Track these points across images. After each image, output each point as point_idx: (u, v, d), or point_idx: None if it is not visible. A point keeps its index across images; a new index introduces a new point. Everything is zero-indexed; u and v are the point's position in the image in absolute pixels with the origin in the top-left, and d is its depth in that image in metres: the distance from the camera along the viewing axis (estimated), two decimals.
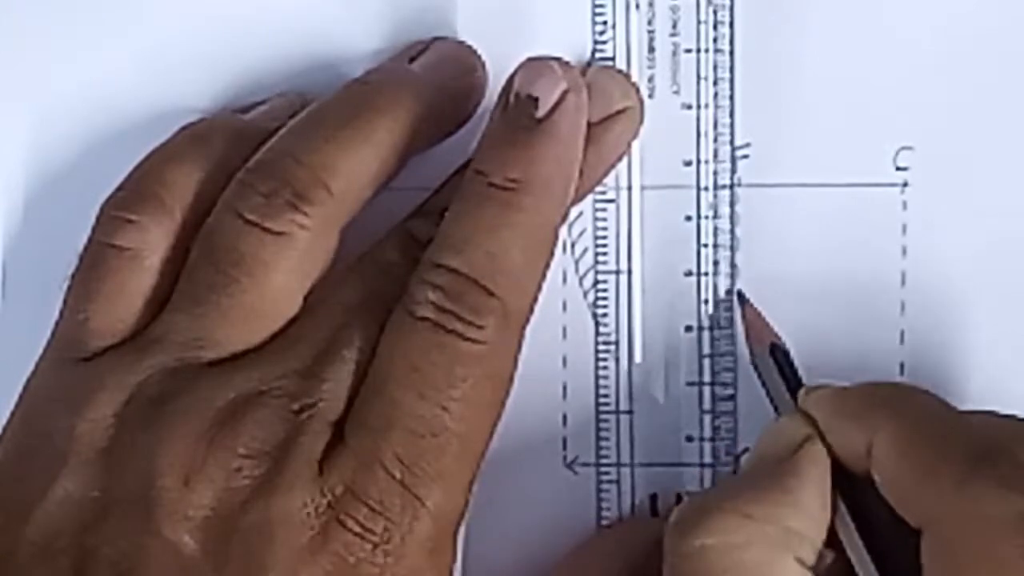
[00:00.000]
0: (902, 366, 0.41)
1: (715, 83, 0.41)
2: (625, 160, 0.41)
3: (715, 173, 0.42)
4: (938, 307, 0.41)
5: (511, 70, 0.39)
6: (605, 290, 0.42)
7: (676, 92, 0.42)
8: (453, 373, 0.37)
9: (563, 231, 0.40)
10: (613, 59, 0.42)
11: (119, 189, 0.39)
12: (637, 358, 0.42)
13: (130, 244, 0.38)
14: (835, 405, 0.38)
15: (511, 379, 0.38)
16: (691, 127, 0.42)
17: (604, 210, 0.42)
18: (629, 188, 0.42)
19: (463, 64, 0.41)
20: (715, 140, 0.42)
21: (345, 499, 0.36)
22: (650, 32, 0.41)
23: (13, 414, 0.39)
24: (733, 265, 0.42)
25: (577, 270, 0.42)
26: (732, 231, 0.42)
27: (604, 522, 0.42)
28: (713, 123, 0.42)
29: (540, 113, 0.38)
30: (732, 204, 0.42)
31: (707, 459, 0.42)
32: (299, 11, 0.42)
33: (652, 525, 0.41)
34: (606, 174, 0.41)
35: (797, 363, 0.40)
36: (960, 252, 0.41)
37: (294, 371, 0.37)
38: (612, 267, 0.42)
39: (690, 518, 0.37)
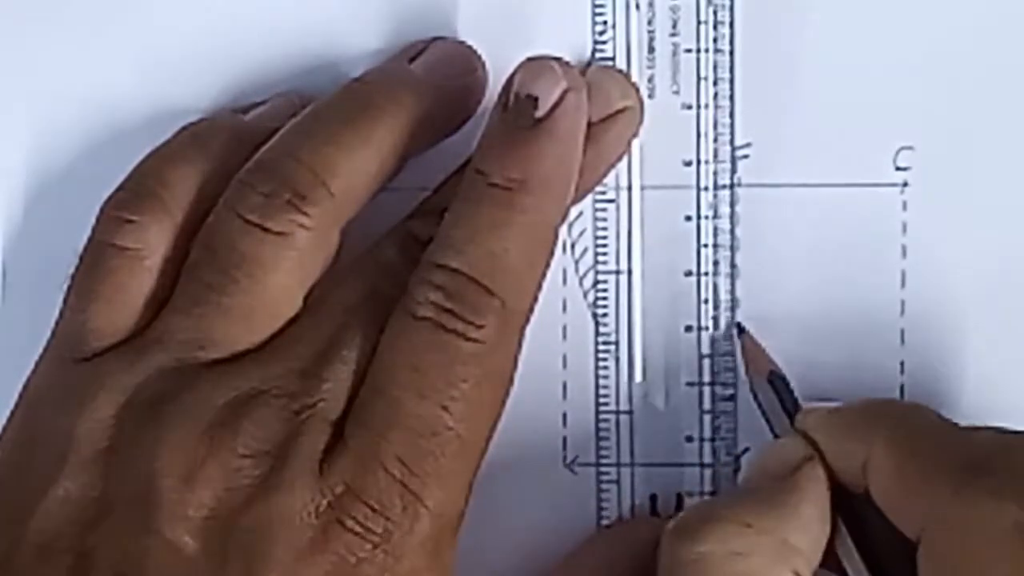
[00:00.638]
0: (902, 366, 0.41)
1: (715, 83, 0.41)
2: (625, 160, 0.41)
3: (715, 173, 0.42)
4: (938, 307, 0.41)
5: (511, 70, 0.39)
6: (605, 290, 0.42)
7: (676, 92, 0.42)
8: (453, 373, 0.37)
9: (563, 231, 0.40)
10: (613, 59, 0.42)
11: (119, 189, 0.39)
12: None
13: (130, 244, 0.38)
14: (831, 423, 0.38)
15: (511, 379, 0.38)
16: (691, 127, 0.42)
17: (604, 210, 0.42)
18: (629, 188, 0.42)
19: (463, 64, 0.41)
20: (715, 140, 0.42)
21: (345, 499, 0.36)
22: (650, 32, 0.41)
23: (13, 414, 0.39)
24: (733, 265, 0.42)
25: (577, 270, 0.42)
26: (732, 231, 0.42)
27: (604, 522, 0.42)
28: (713, 123, 0.42)
29: (540, 113, 0.38)
30: (732, 204, 0.42)
31: (707, 459, 0.42)
32: (299, 11, 0.42)
33: (652, 525, 0.41)
34: (606, 174, 0.41)
35: (796, 391, 0.40)
36: (960, 252, 0.41)
37: (294, 371, 0.37)
38: (612, 267, 0.42)
39: (690, 525, 0.37)
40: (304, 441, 0.36)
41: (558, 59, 0.39)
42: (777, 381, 0.40)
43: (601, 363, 0.42)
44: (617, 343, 0.42)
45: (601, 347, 0.42)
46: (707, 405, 0.42)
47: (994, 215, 0.41)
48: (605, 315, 0.42)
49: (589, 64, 0.42)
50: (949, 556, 0.35)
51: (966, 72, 0.41)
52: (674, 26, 0.41)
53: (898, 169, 0.41)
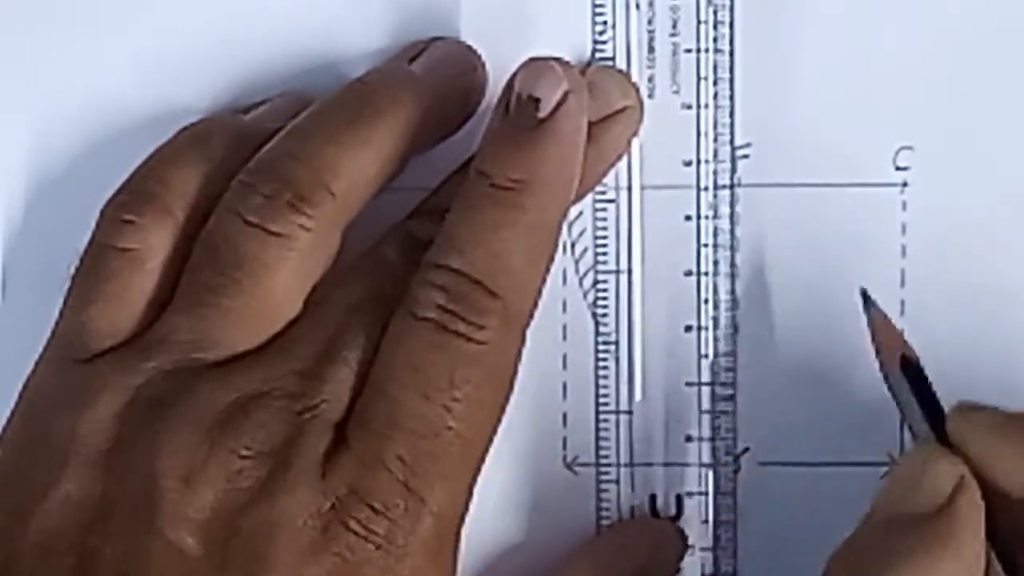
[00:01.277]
0: None
1: (715, 83, 0.41)
2: (625, 160, 0.41)
3: (715, 173, 0.42)
4: (937, 307, 0.41)
5: (511, 70, 0.39)
6: (605, 290, 0.42)
7: (676, 92, 0.42)
8: (455, 374, 0.37)
9: (563, 231, 0.40)
10: (613, 59, 0.42)
11: (120, 190, 0.39)
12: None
13: (131, 245, 0.38)
14: (1002, 436, 0.35)
15: (513, 379, 0.38)
16: (691, 127, 0.42)
17: (604, 210, 0.42)
18: (629, 188, 0.42)
19: (463, 64, 0.41)
20: (715, 140, 0.42)
21: (347, 500, 0.36)
22: (650, 32, 0.41)
23: (13, 414, 0.39)
24: (733, 265, 0.42)
25: (577, 270, 0.42)
26: (732, 231, 0.42)
27: (604, 522, 0.42)
28: (713, 123, 0.42)
29: (542, 114, 0.38)
30: (732, 204, 0.42)
31: (707, 459, 0.42)
32: (299, 11, 0.42)
33: (653, 525, 0.42)
34: (606, 173, 0.41)
35: (930, 378, 0.37)
36: (960, 252, 0.41)
37: (295, 372, 0.37)
38: (612, 267, 0.42)
39: None
40: (306, 442, 0.36)
41: (559, 59, 0.39)
42: (912, 371, 0.36)
43: (601, 363, 0.42)
44: (617, 343, 0.42)
45: (601, 347, 0.42)
46: (707, 405, 0.42)
47: (994, 215, 0.41)
48: (605, 315, 0.42)
49: (589, 64, 0.42)
50: None
51: (966, 72, 0.41)
52: (674, 26, 0.41)
53: (898, 169, 0.41)
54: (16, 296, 0.42)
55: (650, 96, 0.42)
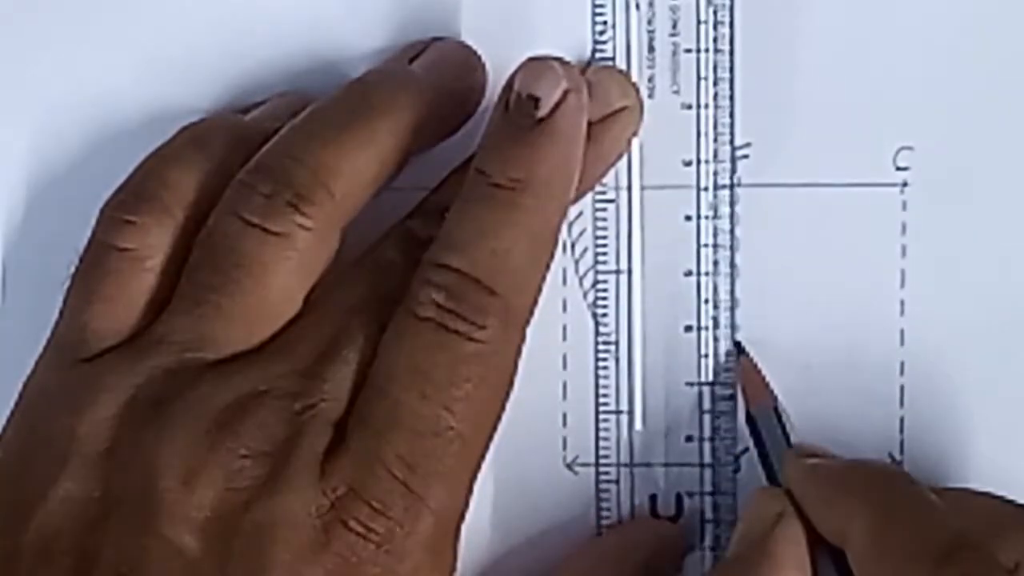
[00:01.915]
0: (902, 366, 0.41)
1: (715, 83, 0.41)
2: (625, 160, 0.41)
3: (715, 173, 0.42)
4: (938, 307, 0.41)
5: (511, 70, 0.39)
6: (605, 290, 0.42)
7: (676, 92, 0.42)
8: (455, 373, 0.37)
9: (563, 231, 0.40)
10: (613, 59, 0.42)
11: (120, 190, 0.39)
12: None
13: (131, 245, 0.38)
14: (812, 484, 0.38)
15: (513, 379, 0.38)
16: (691, 127, 0.42)
17: (604, 210, 0.42)
18: (629, 188, 0.42)
19: (463, 64, 0.41)
20: (715, 140, 0.42)
21: (347, 499, 0.36)
22: (650, 32, 0.41)
23: (13, 414, 0.39)
24: (733, 265, 0.42)
25: (577, 270, 0.42)
26: (732, 231, 0.42)
27: (604, 522, 0.42)
28: (713, 123, 0.42)
29: (541, 113, 0.38)
30: (732, 204, 0.42)
31: (707, 459, 0.42)
32: (299, 11, 0.42)
33: (653, 526, 0.42)
34: (605, 173, 0.41)
35: (791, 420, 0.41)
36: (960, 252, 0.41)
37: (295, 371, 0.37)
38: (612, 267, 0.42)
39: None
40: (305, 442, 0.36)
41: (559, 59, 0.39)
42: (771, 416, 0.40)
43: (601, 363, 0.42)
44: (617, 343, 0.42)
45: (601, 347, 0.42)
46: (707, 405, 0.42)
47: (994, 215, 0.41)
48: (605, 315, 0.42)
49: (589, 64, 0.42)
50: None
51: (966, 72, 0.41)
52: (674, 26, 0.41)
53: (898, 169, 0.41)
54: (16, 296, 0.42)
55: (650, 96, 0.42)
